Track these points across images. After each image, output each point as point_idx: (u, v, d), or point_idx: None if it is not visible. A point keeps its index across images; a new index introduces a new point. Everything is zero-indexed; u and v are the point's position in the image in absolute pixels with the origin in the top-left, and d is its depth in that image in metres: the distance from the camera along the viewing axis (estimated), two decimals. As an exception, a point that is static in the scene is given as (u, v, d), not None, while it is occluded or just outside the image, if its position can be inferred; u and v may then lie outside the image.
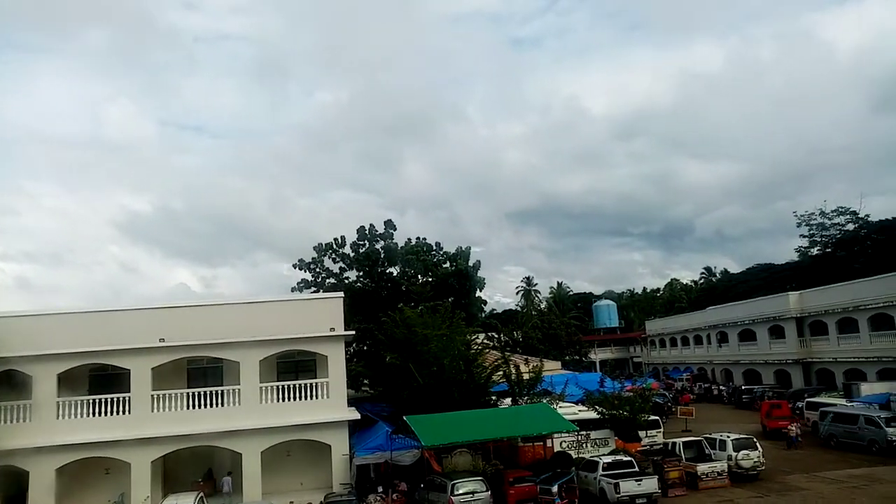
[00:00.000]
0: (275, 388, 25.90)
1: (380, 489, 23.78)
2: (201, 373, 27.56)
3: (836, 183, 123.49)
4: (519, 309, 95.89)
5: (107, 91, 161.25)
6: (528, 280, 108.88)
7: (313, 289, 40.20)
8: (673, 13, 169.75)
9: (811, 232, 70.24)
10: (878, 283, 43.65)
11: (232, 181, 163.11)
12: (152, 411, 24.77)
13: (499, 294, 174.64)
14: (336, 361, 26.74)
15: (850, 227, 66.62)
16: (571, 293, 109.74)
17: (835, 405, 34.47)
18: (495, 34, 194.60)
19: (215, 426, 24.63)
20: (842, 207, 67.42)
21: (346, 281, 39.84)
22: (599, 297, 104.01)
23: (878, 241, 61.73)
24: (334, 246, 40.98)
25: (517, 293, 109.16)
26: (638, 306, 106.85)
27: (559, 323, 75.38)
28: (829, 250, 68.21)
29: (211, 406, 25.12)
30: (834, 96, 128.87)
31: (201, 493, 22.46)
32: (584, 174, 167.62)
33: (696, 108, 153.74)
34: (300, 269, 40.97)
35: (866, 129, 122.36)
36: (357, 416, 26.69)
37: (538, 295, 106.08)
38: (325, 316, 27.17)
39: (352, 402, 29.42)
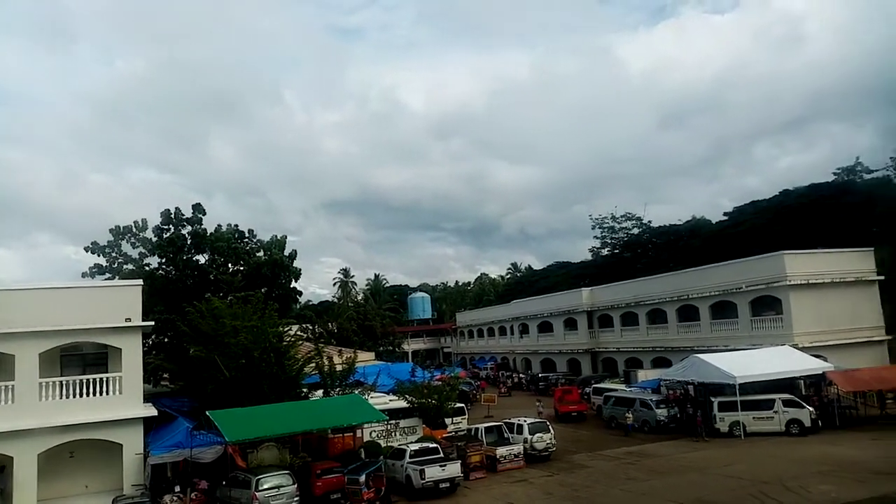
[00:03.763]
0: (57, 383, 23.31)
1: (177, 489, 22.47)
2: (-35, 368, 24.09)
3: (625, 190, 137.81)
4: (336, 300, 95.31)
5: None
6: (346, 272, 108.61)
7: (108, 275, 36.70)
8: (487, 21, 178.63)
9: (602, 234, 77.64)
10: (654, 281, 49.38)
11: (9, 152, 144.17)
12: None
13: (315, 285, 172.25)
14: (131, 354, 24.71)
15: (636, 231, 74.54)
16: (388, 285, 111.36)
17: (616, 390, 38.46)
18: (319, 20, 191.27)
19: (-21, 428, 21.65)
20: (629, 213, 75.31)
21: (147, 268, 36.80)
22: (415, 290, 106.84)
23: (657, 245, 69.89)
24: (134, 229, 37.62)
25: (334, 285, 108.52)
26: (450, 298, 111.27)
27: (375, 314, 76.25)
28: (617, 251, 75.90)
29: (-24, 406, 22.05)
30: (625, 112, 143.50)
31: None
32: (403, 169, 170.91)
33: (506, 113, 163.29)
34: (93, 252, 37.10)
35: (652, 144, 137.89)
36: (154, 412, 24.90)
37: (355, 286, 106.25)
38: (121, 305, 24.93)
39: (149, 397, 27.39)
